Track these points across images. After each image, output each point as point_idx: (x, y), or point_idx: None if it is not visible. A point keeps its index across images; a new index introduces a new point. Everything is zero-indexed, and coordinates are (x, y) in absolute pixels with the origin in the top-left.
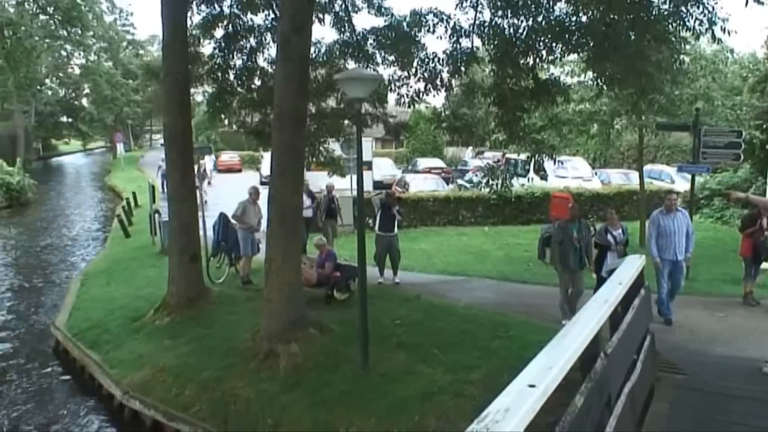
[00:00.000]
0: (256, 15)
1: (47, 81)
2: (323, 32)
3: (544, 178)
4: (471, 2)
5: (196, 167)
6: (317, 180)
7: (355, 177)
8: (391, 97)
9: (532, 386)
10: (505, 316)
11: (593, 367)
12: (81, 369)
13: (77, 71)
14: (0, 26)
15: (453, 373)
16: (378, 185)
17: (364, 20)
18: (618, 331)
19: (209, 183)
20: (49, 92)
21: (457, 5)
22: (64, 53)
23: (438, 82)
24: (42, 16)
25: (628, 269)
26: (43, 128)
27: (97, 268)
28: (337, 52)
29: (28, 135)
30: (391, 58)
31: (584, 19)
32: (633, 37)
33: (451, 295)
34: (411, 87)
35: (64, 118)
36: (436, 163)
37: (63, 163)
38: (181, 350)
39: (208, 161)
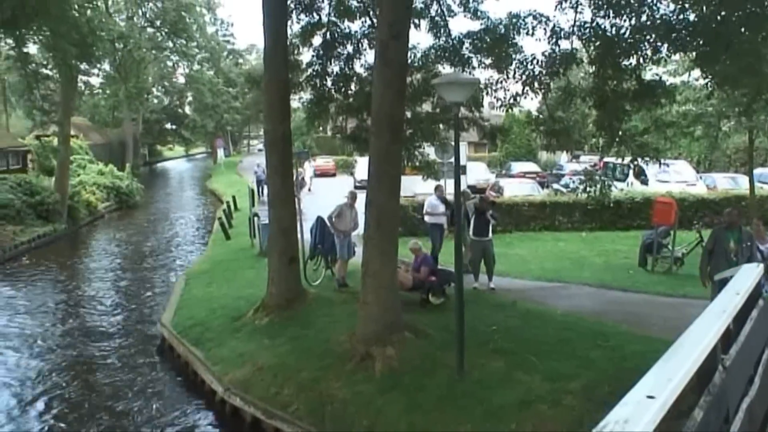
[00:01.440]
0: (353, 22)
1: (154, 90)
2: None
3: (644, 182)
4: (571, 3)
5: (294, 174)
6: (412, 184)
7: (449, 181)
8: (485, 101)
9: (651, 397)
10: (605, 324)
11: (711, 381)
12: (185, 365)
13: (181, 80)
14: (112, 39)
15: (551, 382)
16: (471, 190)
17: (460, 24)
18: (736, 343)
19: (309, 190)
20: (155, 101)
21: (556, 6)
22: (169, 63)
23: (536, 84)
24: (149, 29)
25: (745, 278)
26: (150, 135)
27: (200, 269)
28: (433, 57)
29: (136, 141)
30: (488, 61)
31: (692, 17)
32: (747, 35)
33: (547, 301)
34: (507, 90)
35: (169, 125)
36: (531, 167)
37: (167, 167)
38: (279, 350)
39: (307, 168)
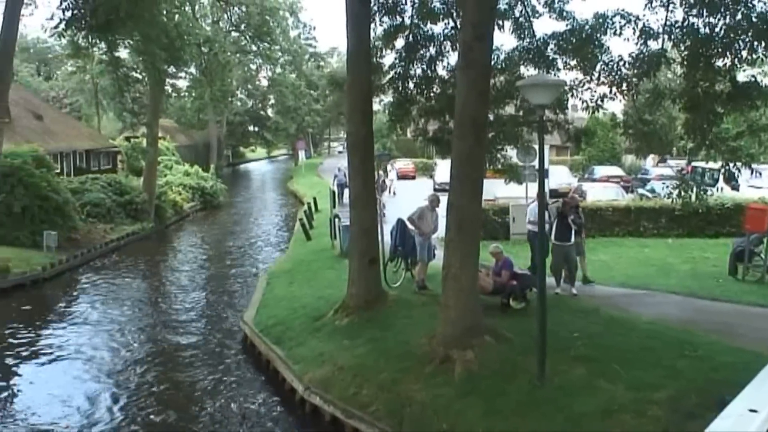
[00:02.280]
0: (436, 24)
1: (238, 93)
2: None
3: (735, 188)
4: (662, 2)
5: (376, 177)
6: (493, 187)
7: (530, 185)
8: (569, 103)
9: (753, 411)
10: (693, 334)
11: None
12: (266, 363)
13: (264, 83)
14: (198, 43)
15: (635, 391)
16: (553, 193)
17: (544, 25)
18: None
19: (393, 193)
20: (239, 103)
21: (646, 5)
22: (253, 67)
23: (624, 86)
24: (234, 33)
25: None
26: (233, 136)
27: (282, 268)
28: (517, 59)
29: (220, 143)
30: (573, 62)
31: None
32: None
33: (631, 309)
34: (594, 92)
35: (252, 127)
36: (615, 171)
37: (249, 169)
38: (359, 350)
39: (390, 171)
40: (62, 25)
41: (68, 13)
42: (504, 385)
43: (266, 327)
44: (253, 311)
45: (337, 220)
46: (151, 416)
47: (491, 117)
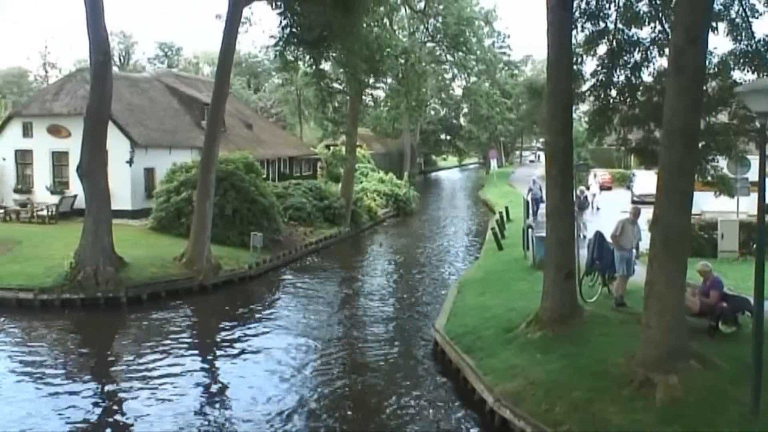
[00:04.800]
0: (641, 29)
1: (431, 102)
2: (715, 41)
3: None
4: None
5: (575, 193)
6: (700, 200)
7: (742, 199)
8: None
9: None
10: None
11: None
12: (456, 371)
13: (458, 92)
14: (396, 54)
15: None
16: None
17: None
18: None
19: (596, 209)
20: (432, 112)
21: None
22: (447, 76)
23: None
24: (429, 44)
25: None
26: (426, 145)
27: (473, 277)
28: (731, 62)
29: (413, 151)
30: None
31: None
32: None
33: None
34: None
35: (444, 136)
36: None
37: (440, 177)
38: (551, 366)
39: (593, 184)
40: (281, 42)
41: (286, 31)
42: (712, 416)
43: (457, 335)
44: (444, 319)
45: (530, 230)
46: (348, 412)
47: (702, 125)
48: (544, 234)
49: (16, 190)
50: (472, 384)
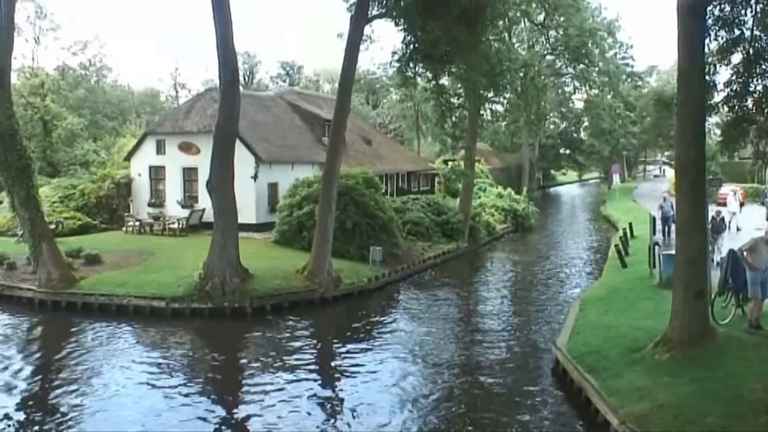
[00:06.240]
0: None
1: (551, 115)
2: None
3: None
4: None
5: (709, 217)
6: None
7: None
8: None
9: None
10: None
11: None
12: (578, 391)
13: (579, 105)
14: (516, 68)
15: None
16: None
17: None
18: None
19: (737, 229)
20: (552, 126)
21: None
22: (567, 89)
23: None
24: (549, 57)
25: None
26: (545, 159)
27: (595, 295)
28: None
29: (532, 166)
30: None
31: None
32: None
33: None
34: None
35: (563, 150)
36: None
37: (559, 192)
38: (681, 389)
39: (731, 201)
40: (404, 58)
41: (410, 47)
42: None
43: (580, 354)
44: (566, 337)
45: (656, 247)
46: (469, 428)
47: None
48: (672, 251)
49: (149, 204)
50: (595, 405)
